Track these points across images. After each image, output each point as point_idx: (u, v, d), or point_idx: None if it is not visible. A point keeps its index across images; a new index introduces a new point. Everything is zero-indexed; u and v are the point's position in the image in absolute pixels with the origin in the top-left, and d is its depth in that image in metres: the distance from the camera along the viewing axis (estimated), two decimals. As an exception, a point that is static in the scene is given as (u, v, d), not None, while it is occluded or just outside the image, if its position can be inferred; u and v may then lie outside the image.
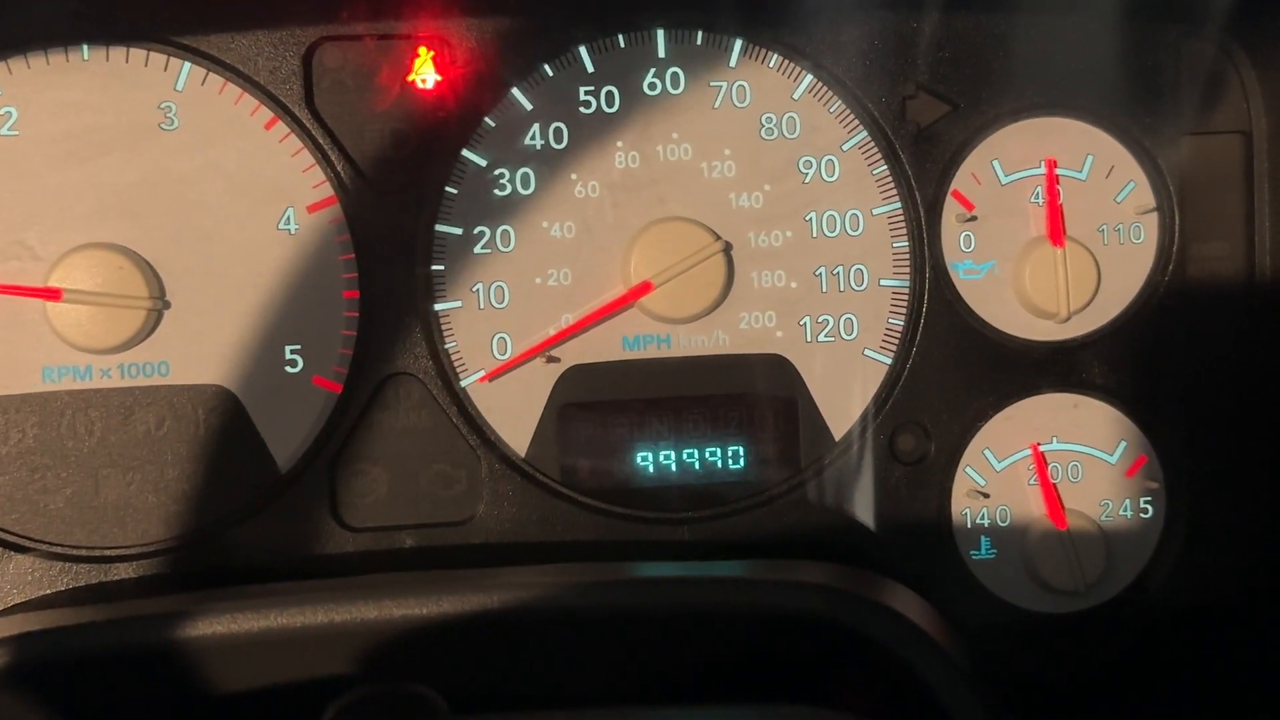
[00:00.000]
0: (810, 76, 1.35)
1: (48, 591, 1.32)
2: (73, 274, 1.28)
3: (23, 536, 1.31)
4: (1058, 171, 1.37)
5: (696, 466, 1.37)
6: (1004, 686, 1.22)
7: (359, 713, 1.01)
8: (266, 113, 1.31)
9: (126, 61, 1.29)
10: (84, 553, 1.32)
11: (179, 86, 1.30)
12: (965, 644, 1.25)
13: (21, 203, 1.29)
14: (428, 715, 1.01)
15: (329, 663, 1.20)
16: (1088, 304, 1.38)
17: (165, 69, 1.30)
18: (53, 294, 1.27)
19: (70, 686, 1.20)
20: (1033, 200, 1.37)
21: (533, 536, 1.36)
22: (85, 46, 1.29)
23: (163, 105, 1.30)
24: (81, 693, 1.20)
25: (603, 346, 1.36)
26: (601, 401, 1.37)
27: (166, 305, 1.31)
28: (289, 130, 1.31)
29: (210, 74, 1.30)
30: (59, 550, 1.32)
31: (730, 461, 1.38)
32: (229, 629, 1.17)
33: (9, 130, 1.29)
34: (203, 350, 1.31)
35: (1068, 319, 1.38)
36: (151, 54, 1.29)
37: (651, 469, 1.37)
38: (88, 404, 1.31)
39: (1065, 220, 1.36)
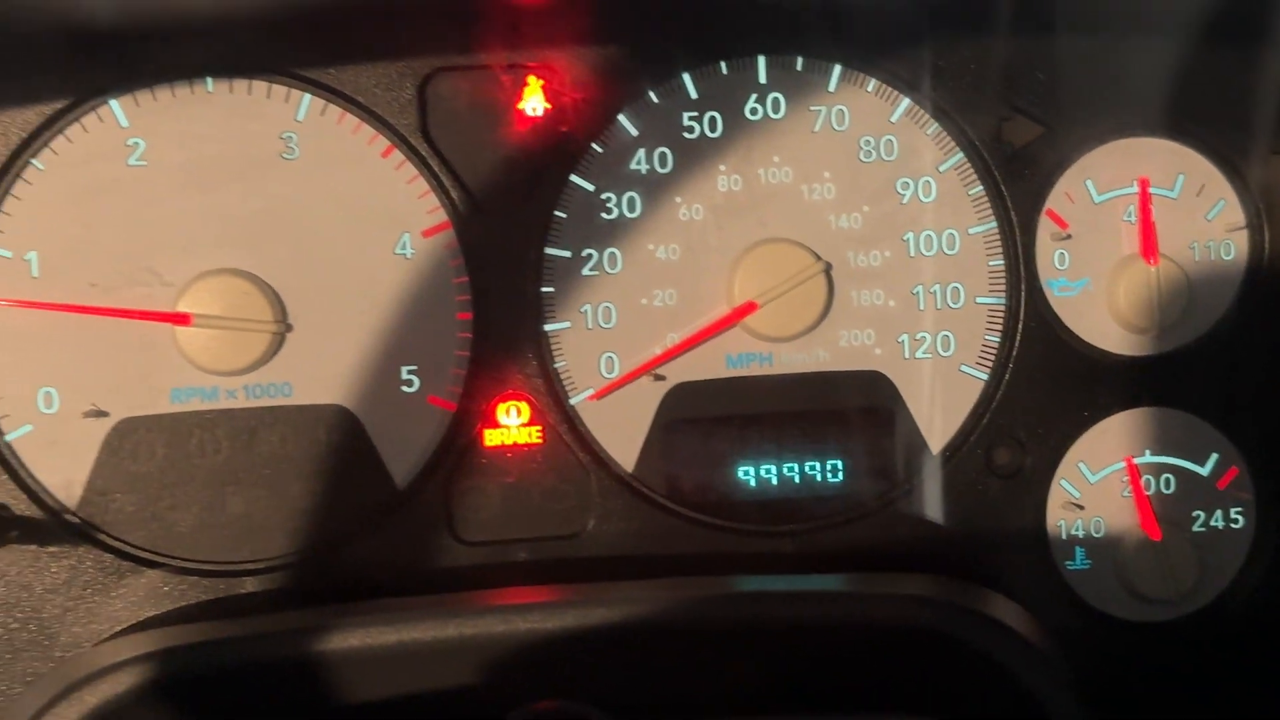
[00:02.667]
0: (907, 100, 1.37)
1: (179, 605, 1.35)
2: (200, 299, 1.32)
3: (153, 552, 1.35)
4: (1150, 190, 1.39)
5: (797, 480, 1.39)
6: (1097, 693, 1.26)
7: None
8: (383, 141, 1.34)
9: (249, 93, 1.33)
10: (211, 567, 1.36)
11: (299, 117, 1.33)
12: (1062, 652, 1.28)
13: (149, 231, 1.33)
14: None
15: (452, 675, 1.24)
16: (1179, 319, 1.39)
17: (286, 100, 1.33)
18: (182, 319, 1.31)
19: (207, 698, 1.24)
20: (1125, 218, 1.39)
21: (640, 550, 1.39)
22: (210, 79, 1.32)
23: (284, 135, 1.33)
24: (216, 705, 1.24)
25: (707, 364, 1.38)
26: (705, 418, 1.39)
27: (289, 328, 1.34)
28: (405, 158, 1.34)
29: (329, 104, 1.33)
30: (188, 565, 1.35)
31: (829, 475, 1.40)
32: (365, 643, 1.21)
33: (137, 160, 1.32)
34: (323, 371, 1.35)
35: (1160, 334, 1.39)
36: (273, 86, 1.33)
37: (753, 483, 1.39)
38: (214, 424, 1.34)
39: (1158, 237, 1.38)
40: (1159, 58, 1.39)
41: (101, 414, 1.34)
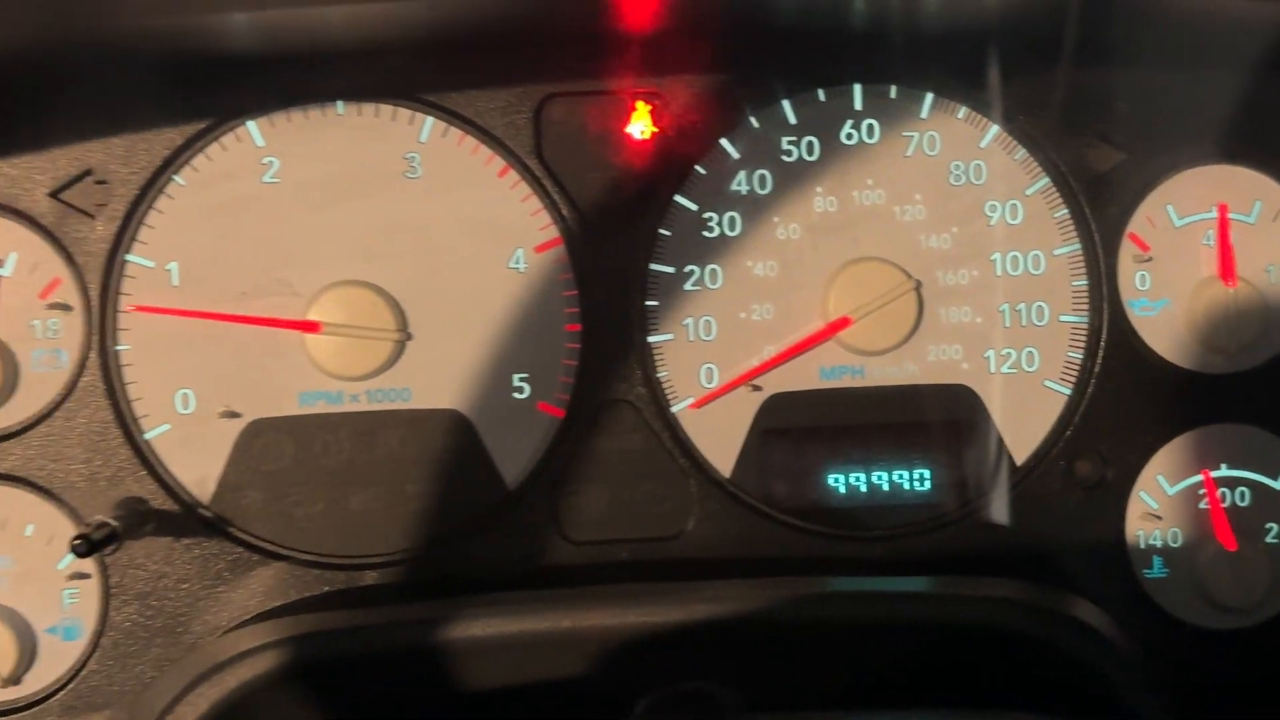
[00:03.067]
0: (996, 127, 1.40)
1: (303, 595, 1.40)
2: (328, 308, 1.37)
3: (279, 545, 1.40)
4: (1229, 215, 1.41)
5: (885, 488, 1.42)
6: (1172, 698, 1.27)
7: (667, 708, 1.07)
8: (500, 162, 1.38)
9: (376, 116, 1.38)
10: (333, 560, 1.40)
11: (422, 139, 1.38)
12: (1140, 656, 1.31)
13: (281, 244, 1.38)
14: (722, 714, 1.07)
15: (560, 665, 1.29)
16: (1255, 339, 1.40)
17: (410, 123, 1.38)
18: (312, 326, 1.36)
19: (332, 685, 1.28)
20: (1204, 242, 1.41)
21: (736, 552, 1.42)
22: (340, 103, 1.37)
23: (407, 155, 1.38)
24: (341, 691, 1.29)
25: (801, 376, 1.41)
26: (799, 427, 1.42)
27: (409, 337, 1.38)
28: (519, 178, 1.39)
29: (450, 127, 1.38)
30: (311, 558, 1.40)
31: (917, 484, 1.42)
32: (482, 633, 1.26)
33: (271, 178, 1.37)
34: (440, 378, 1.39)
35: (1237, 353, 1.41)
36: (398, 109, 1.38)
37: (844, 490, 1.42)
38: (338, 426, 1.39)
39: (1236, 261, 1.40)
40: (1234, 89, 1.41)
41: (235, 415, 1.39)
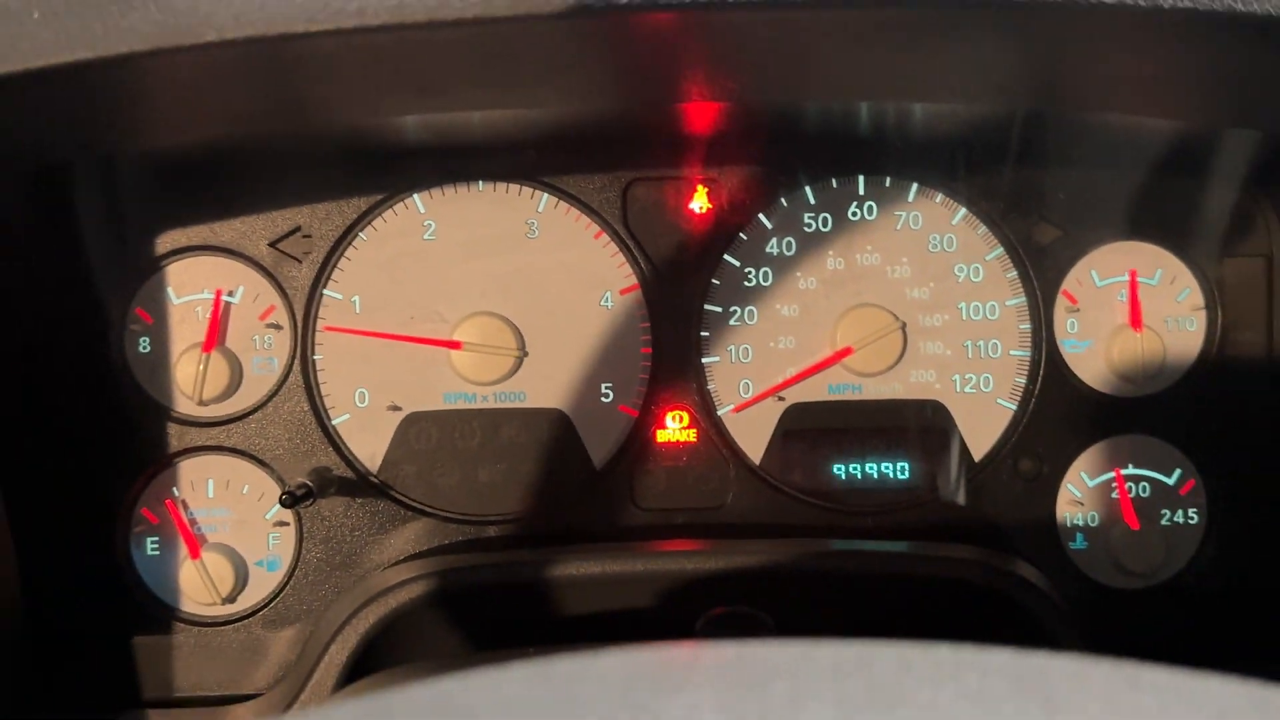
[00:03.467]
0: (964, 209, 1.44)
1: (441, 542, 1.43)
2: (467, 332, 1.41)
3: (426, 505, 1.44)
4: (1138, 279, 1.44)
5: (875, 476, 1.45)
6: (1089, 639, 1.29)
7: (719, 625, 1.10)
8: (595, 227, 1.43)
9: (507, 192, 1.43)
10: (465, 518, 1.44)
11: (539, 209, 1.43)
12: (1065, 606, 1.32)
13: (435, 285, 1.42)
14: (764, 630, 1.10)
15: (636, 597, 1.32)
16: (1156, 372, 1.43)
17: (531, 197, 1.43)
18: (455, 345, 1.41)
19: (463, 607, 1.33)
20: (1119, 298, 1.44)
21: (763, 519, 1.45)
22: (481, 182, 1.42)
23: (528, 221, 1.43)
24: (471, 611, 1.33)
25: (814, 391, 1.45)
26: (812, 429, 1.45)
27: (526, 354, 1.43)
28: (610, 239, 1.43)
29: (560, 201, 1.42)
30: (449, 515, 1.44)
31: (899, 474, 1.45)
32: (578, 572, 1.30)
33: (429, 236, 1.42)
34: (548, 385, 1.43)
35: (1142, 383, 1.43)
36: (523, 188, 1.43)
37: (844, 476, 1.45)
38: (471, 418, 1.43)
39: (1143, 313, 1.43)
40: (1147, 185, 1.43)
41: (397, 408, 1.43)
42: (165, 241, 1.41)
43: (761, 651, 0.51)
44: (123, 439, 1.41)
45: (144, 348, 1.41)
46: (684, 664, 0.51)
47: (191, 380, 1.39)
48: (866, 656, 0.51)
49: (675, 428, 1.45)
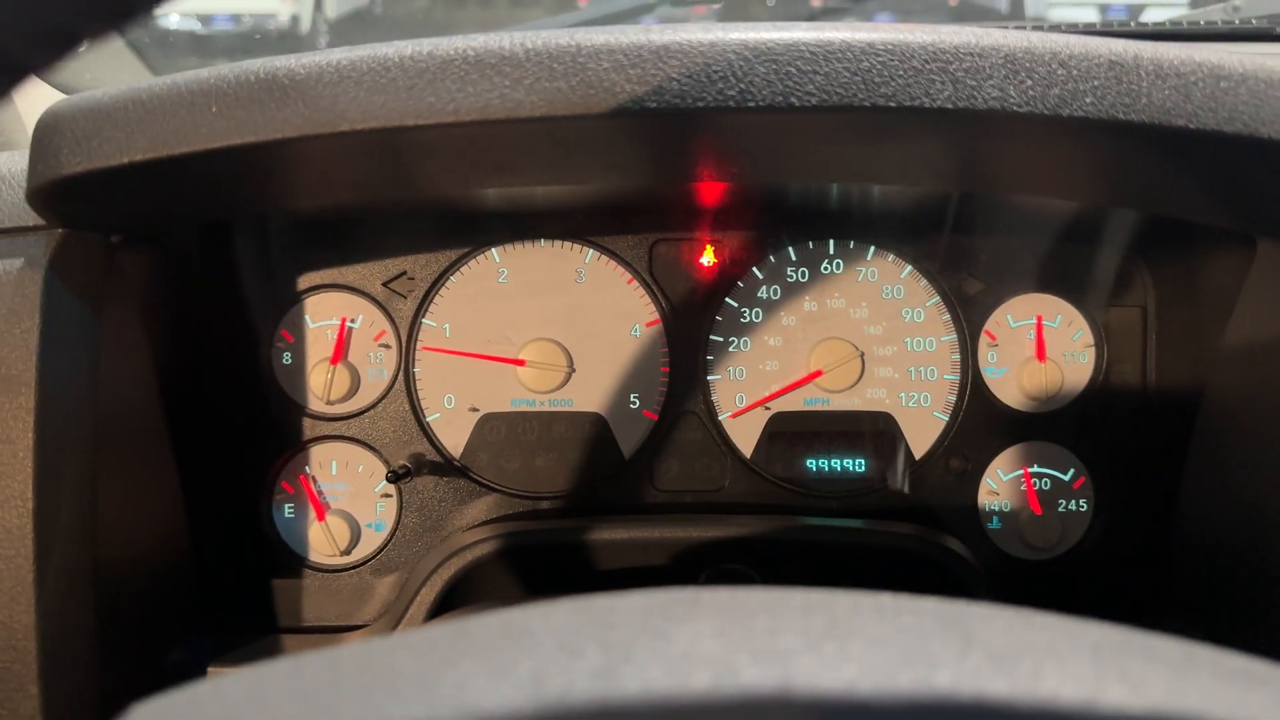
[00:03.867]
0: (910, 266, 1.44)
1: (506, 512, 1.44)
2: (530, 352, 1.42)
3: (496, 484, 1.44)
4: (1043, 322, 1.44)
5: (839, 469, 1.45)
6: (999, 597, 1.29)
7: (720, 577, 1.11)
8: (628, 275, 1.44)
9: (562, 246, 1.44)
10: (525, 494, 1.44)
11: (586, 261, 1.44)
12: (983, 573, 1.33)
13: (506, 316, 1.43)
14: (751, 583, 1.11)
15: (654, 558, 1.33)
16: (1056, 394, 1.43)
17: (580, 252, 1.44)
18: (520, 362, 1.43)
19: (525, 562, 1.34)
20: (1029, 336, 1.44)
21: (754, 501, 1.45)
22: (542, 239, 1.44)
23: (578, 269, 1.44)
24: (530, 566, 1.35)
25: (793, 402, 1.45)
26: (791, 432, 1.45)
27: (574, 371, 1.44)
28: (639, 285, 1.44)
29: (602, 255, 1.44)
30: (513, 492, 1.44)
31: (857, 468, 1.45)
32: (612, 537, 1.32)
33: (503, 280, 1.43)
34: (590, 394, 1.44)
35: (1045, 402, 1.44)
36: (574, 244, 1.44)
37: (814, 469, 1.45)
38: (531, 419, 1.44)
39: (1046, 348, 1.43)
40: (1050, 249, 1.43)
41: (475, 410, 1.44)
42: (304, 280, 1.43)
43: (747, 595, 0.52)
44: (269, 429, 1.43)
45: (286, 360, 1.43)
46: (689, 602, 0.52)
47: (322, 386, 1.40)
48: (828, 600, 0.52)
49: (685, 429, 1.45)
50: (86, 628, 1.08)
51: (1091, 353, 1.44)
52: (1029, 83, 0.89)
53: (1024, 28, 1.25)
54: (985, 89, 0.89)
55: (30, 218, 1.08)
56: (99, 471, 1.10)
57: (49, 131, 0.97)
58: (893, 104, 0.87)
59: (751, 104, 0.86)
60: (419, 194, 1.29)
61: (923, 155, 1.08)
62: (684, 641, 0.47)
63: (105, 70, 1.86)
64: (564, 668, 0.44)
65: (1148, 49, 0.90)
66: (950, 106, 0.88)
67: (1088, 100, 0.90)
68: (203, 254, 1.36)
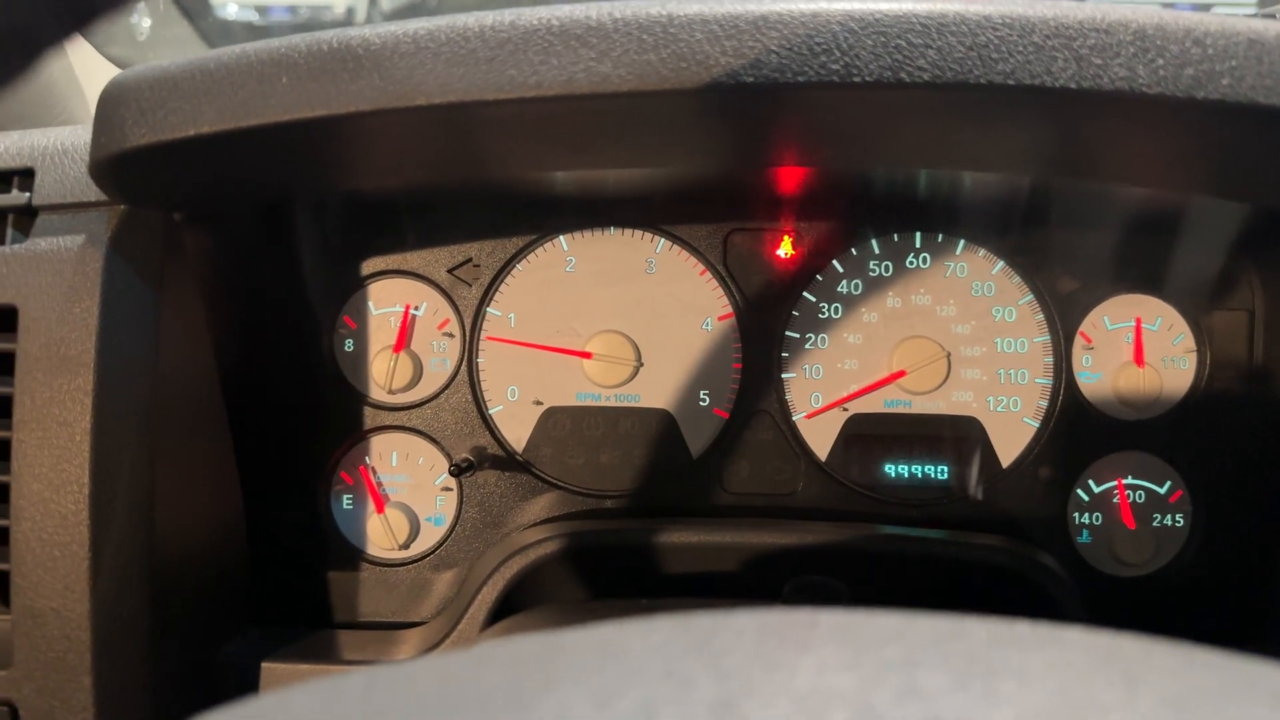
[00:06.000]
0: (1002, 262, 1.39)
1: (569, 510, 1.41)
2: (597, 345, 1.39)
3: (558, 480, 1.41)
4: (1142, 325, 1.38)
5: (919, 476, 1.40)
6: (1093, 616, 1.24)
7: (806, 591, 1.07)
8: (701, 266, 1.40)
9: (632, 235, 1.40)
10: (589, 492, 1.41)
11: (657, 250, 1.40)
12: (1074, 589, 1.27)
13: (573, 307, 1.41)
14: (841, 598, 1.07)
15: (726, 563, 1.29)
16: (1154, 401, 1.37)
17: (650, 241, 1.40)
18: (587, 355, 1.39)
19: (587, 561, 1.29)
20: (1126, 340, 1.38)
21: (828, 506, 1.41)
22: (612, 228, 1.40)
23: (648, 259, 1.40)
24: (592, 565, 1.31)
25: (873, 404, 1.40)
26: (870, 435, 1.40)
27: (641, 364, 1.40)
28: (712, 276, 1.40)
29: (674, 245, 1.40)
30: (575, 489, 1.41)
31: (940, 475, 1.40)
32: (680, 540, 1.28)
33: (570, 269, 1.41)
34: (658, 390, 1.41)
35: (1143, 409, 1.38)
36: (645, 233, 1.40)
37: (894, 475, 1.40)
38: (596, 414, 1.41)
39: (1144, 353, 1.37)
40: (1152, 247, 1.37)
41: (539, 403, 1.41)
42: (367, 266, 1.41)
43: (868, 619, 0.47)
44: (329, 417, 1.41)
45: (349, 347, 1.41)
46: (805, 625, 0.47)
47: (384, 374, 1.38)
48: (960, 629, 0.47)
49: (758, 428, 1.41)
50: (140, 618, 1.06)
51: (1193, 358, 1.38)
52: (1160, 62, 0.82)
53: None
54: (1113, 68, 0.82)
55: (92, 193, 1.07)
56: (156, 457, 1.08)
57: (114, 103, 0.95)
58: (1011, 82, 0.81)
59: (857, 79, 0.80)
60: (489, 176, 1.26)
61: (1030, 140, 1.01)
62: (809, 674, 0.42)
63: (172, 56, 1.86)
64: (676, 698, 0.40)
65: (1292, 26, 0.83)
66: (1074, 86, 0.81)
67: (1224, 82, 0.83)
68: (265, 236, 1.35)
